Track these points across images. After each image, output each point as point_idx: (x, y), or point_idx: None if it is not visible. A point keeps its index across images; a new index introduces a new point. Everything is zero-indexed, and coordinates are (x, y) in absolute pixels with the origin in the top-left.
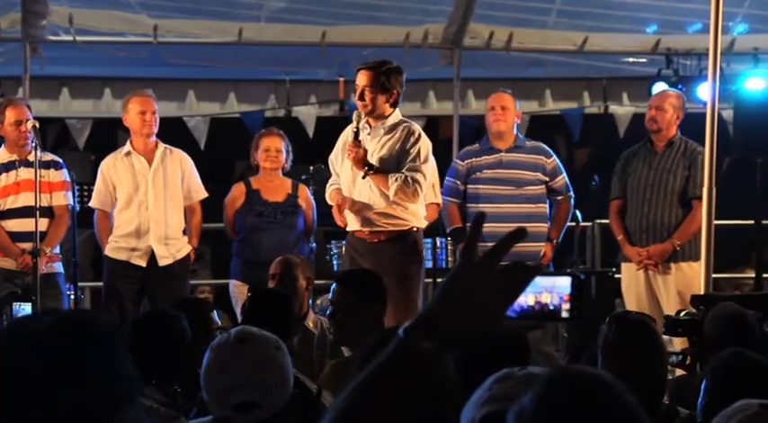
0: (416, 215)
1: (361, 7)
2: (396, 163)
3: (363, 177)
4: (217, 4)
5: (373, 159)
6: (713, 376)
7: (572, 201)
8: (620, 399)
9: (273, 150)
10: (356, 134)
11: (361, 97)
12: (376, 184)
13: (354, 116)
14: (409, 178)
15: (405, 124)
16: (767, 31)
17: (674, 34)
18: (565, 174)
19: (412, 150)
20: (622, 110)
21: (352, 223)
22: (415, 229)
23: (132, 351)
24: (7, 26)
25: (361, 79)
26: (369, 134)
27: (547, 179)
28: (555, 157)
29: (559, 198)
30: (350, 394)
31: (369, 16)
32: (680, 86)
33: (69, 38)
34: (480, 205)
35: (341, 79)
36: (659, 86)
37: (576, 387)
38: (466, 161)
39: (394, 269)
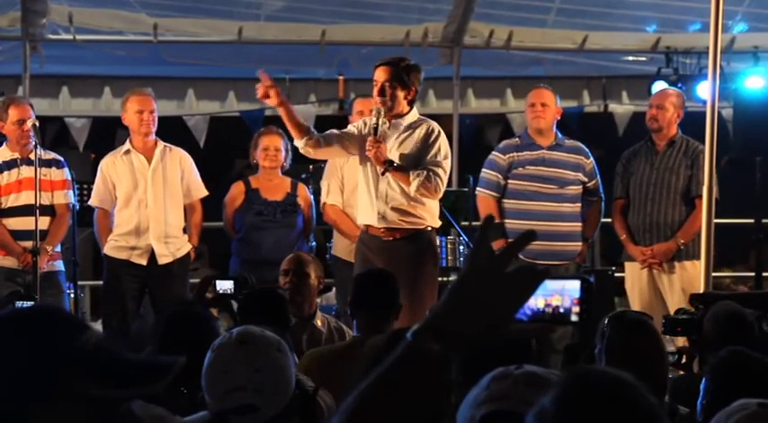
0: (432, 213)
1: (361, 6)
2: (415, 160)
3: (383, 174)
4: (216, 2)
5: (392, 156)
6: (712, 375)
7: (603, 204)
8: (641, 399)
9: (272, 149)
10: (375, 130)
11: (381, 93)
12: (395, 181)
13: (374, 112)
14: (431, 173)
15: (423, 122)
16: (767, 29)
17: (674, 33)
18: (599, 176)
19: (433, 147)
20: (622, 108)
21: (367, 219)
22: (430, 228)
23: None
24: (7, 25)
25: (381, 75)
26: (388, 129)
27: (586, 180)
28: (592, 158)
29: (594, 199)
30: (358, 397)
31: (368, 15)
32: (680, 85)
33: (69, 36)
34: (522, 202)
35: (340, 78)
36: (659, 85)
37: (598, 387)
38: (507, 155)
39: (408, 269)
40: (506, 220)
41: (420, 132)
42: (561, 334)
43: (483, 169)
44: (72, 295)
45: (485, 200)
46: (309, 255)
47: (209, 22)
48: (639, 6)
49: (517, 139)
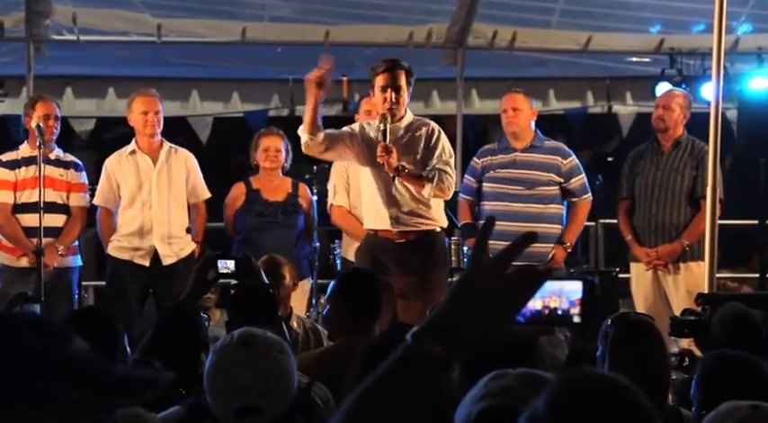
0: (440, 214)
1: (365, 7)
2: (422, 162)
3: (394, 179)
4: (220, 3)
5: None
6: (703, 378)
7: (589, 203)
8: (634, 401)
9: (273, 150)
10: (384, 136)
11: (397, 98)
12: (405, 184)
13: (380, 118)
14: (443, 174)
15: (422, 122)
16: None
17: (678, 34)
18: (584, 175)
19: (437, 146)
20: (626, 109)
21: (378, 223)
22: (439, 228)
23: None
24: (11, 25)
25: (400, 79)
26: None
27: (561, 180)
28: (574, 157)
29: (574, 200)
30: (358, 399)
31: (372, 16)
32: (683, 86)
33: (73, 37)
34: (490, 202)
35: (344, 79)
36: (663, 86)
37: (590, 390)
38: (482, 160)
39: (420, 270)
40: (481, 222)
41: (422, 134)
42: (550, 339)
43: (464, 174)
44: (77, 296)
45: (461, 203)
46: (284, 258)
47: (212, 22)
48: (643, 7)
49: (495, 143)
